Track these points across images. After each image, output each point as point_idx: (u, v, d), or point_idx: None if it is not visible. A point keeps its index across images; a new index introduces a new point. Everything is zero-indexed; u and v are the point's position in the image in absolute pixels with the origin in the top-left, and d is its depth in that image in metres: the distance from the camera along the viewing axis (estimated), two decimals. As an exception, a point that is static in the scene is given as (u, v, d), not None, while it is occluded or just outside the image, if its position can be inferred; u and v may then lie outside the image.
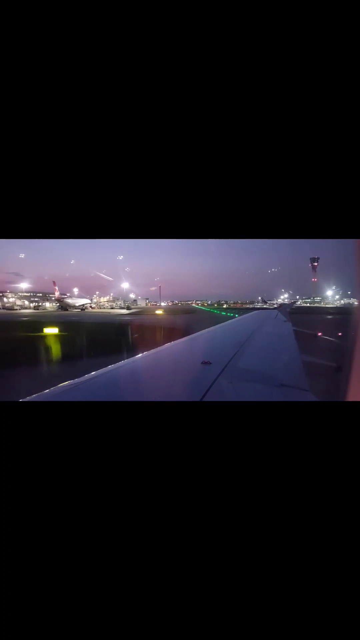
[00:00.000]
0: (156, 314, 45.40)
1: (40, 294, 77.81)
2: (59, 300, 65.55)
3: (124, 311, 55.54)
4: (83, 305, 64.41)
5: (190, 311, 56.45)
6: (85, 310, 59.97)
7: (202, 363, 1.84)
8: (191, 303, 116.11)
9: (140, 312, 50.65)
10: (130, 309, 63.58)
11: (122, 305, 76.35)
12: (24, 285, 78.09)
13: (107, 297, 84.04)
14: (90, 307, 66.68)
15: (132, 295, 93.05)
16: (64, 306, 61.92)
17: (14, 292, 76.34)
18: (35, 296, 76.79)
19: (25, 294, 76.19)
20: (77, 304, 63.82)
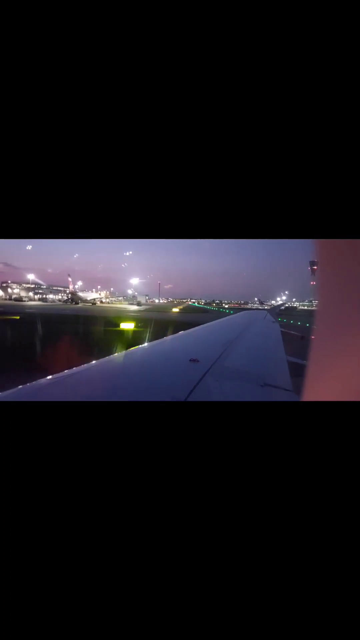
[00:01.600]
0: (173, 312, 45.82)
1: (45, 286, 76.33)
2: (72, 293, 64.74)
3: (135, 307, 55.57)
4: (94, 299, 63.93)
5: (204, 310, 57.31)
6: (95, 304, 59.52)
7: (190, 360, 1.84)
8: (186, 301, 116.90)
9: (156, 309, 50.88)
10: (140, 305, 63.66)
11: (132, 301, 76.00)
12: (30, 276, 76.23)
13: (105, 292, 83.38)
14: (100, 301, 66.18)
15: (130, 291, 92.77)
16: (75, 299, 61.21)
17: (19, 283, 74.41)
18: (39, 288, 75.22)
19: (30, 286, 74.46)
20: (88, 298, 63.29)
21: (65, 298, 65.39)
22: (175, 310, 50.85)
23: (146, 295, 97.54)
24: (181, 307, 63.76)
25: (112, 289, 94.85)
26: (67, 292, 67.91)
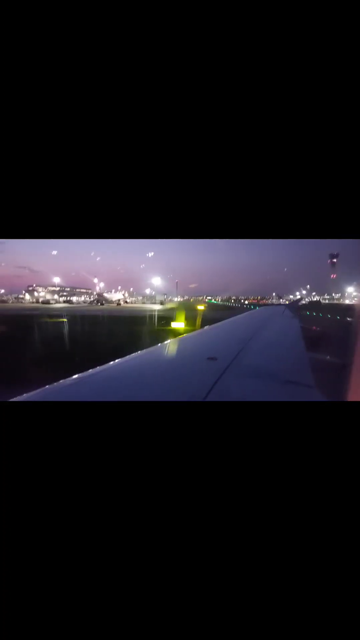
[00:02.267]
0: (201, 309, 45.80)
1: (68, 289, 78.03)
2: (98, 295, 66.23)
3: (160, 307, 56.09)
4: (118, 300, 65.09)
5: (228, 307, 57.22)
6: (120, 305, 60.45)
7: (207, 359, 1.81)
8: (201, 299, 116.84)
9: (182, 307, 51.12)
10: (163, 304, 64.28)
11: (154, 300, 76.87)
12: (56, 279, 78.14)
13: (127, 293, 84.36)
14: (125, 302, 67.21)
15: (147, 291, 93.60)
16: (101, 301, 62.48)
17: (44, 286, 76.39)
18: (63, 290, 76.93)
19: (55, 289, 76.28)
20: (113, 299, 64.52)
21: (90, 299, 66.75)
22: (200, 307, 50.96)
23: (164, 295, 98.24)
24: (206, 304, 63.82)
25: (131, 289, 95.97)
26: (95, 293, 69.40)
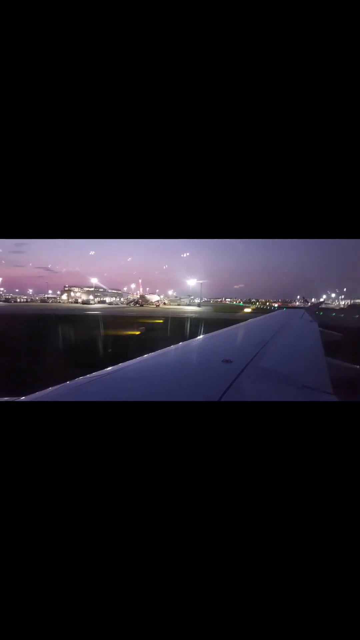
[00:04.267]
0: (245, 312, 45.79)
1: (102, 289, 78.44)
2: (141, 296, 66.72)
3: (197, 308, 56.18)
4: (157, 301, 65.44)
5: (266, 310, 57.07)
6: (158, 306, 60.67)
7: (222, 361, 1.78)
8: (220, 301, 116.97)
9: (223, 309, 51.16)
10: (200, 306, 64.41)
11: (189, 302, 77.22)
12: (94, 280, 78.64)
13: (160, 294, 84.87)
14: (164, 303, 67.52)
15: (170, 292, 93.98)
16: (140, 302, 62.85)
17: (79, 286, 76.90)
18: (97, 291, 77.33)
19: (90, 289, 76.71)
20: (152, 300, 64.91)
21: (129, 300, 67.20)
22: (247, 310, 50.95)
23: (190, 296, 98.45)
24: (253, 307, 63.78)
25: (157, 290, 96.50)
26: (138, 294, 69.89)
